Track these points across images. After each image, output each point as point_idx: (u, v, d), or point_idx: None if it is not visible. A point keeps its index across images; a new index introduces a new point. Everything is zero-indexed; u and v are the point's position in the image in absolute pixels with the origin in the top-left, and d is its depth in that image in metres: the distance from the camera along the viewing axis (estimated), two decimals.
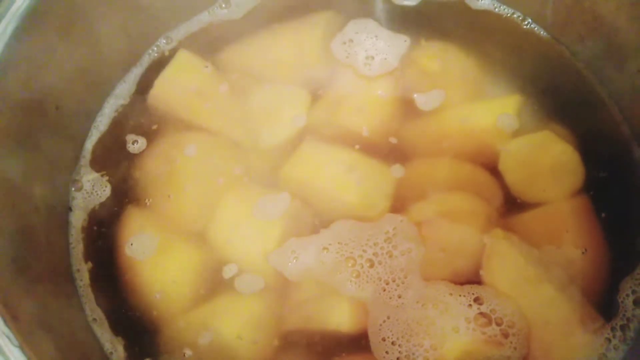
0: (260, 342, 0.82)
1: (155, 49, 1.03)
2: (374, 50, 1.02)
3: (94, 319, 0.84)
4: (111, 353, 0.82)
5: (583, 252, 0.86)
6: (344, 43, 1.03)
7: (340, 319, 0.83)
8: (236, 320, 0.83)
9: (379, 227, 0.87)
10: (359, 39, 1.03)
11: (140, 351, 0.82)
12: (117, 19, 0.95)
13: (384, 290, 0.83)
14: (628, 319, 0.82)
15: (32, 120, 0.84)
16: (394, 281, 0.84)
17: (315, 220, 0.89)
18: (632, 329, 0.82)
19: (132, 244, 0.88)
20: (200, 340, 0.82)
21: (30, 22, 0.81)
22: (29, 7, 0.80)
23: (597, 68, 0.99)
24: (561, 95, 0.99)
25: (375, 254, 0.85)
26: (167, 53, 1.03)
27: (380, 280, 0.84)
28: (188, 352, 0.82)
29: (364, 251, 0.85)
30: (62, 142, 0.90)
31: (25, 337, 0.65)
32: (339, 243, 0.86)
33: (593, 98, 0.99)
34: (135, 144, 0.96)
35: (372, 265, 0.85)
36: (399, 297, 0.82)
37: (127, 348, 0.82)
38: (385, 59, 1.02)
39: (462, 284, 0.83)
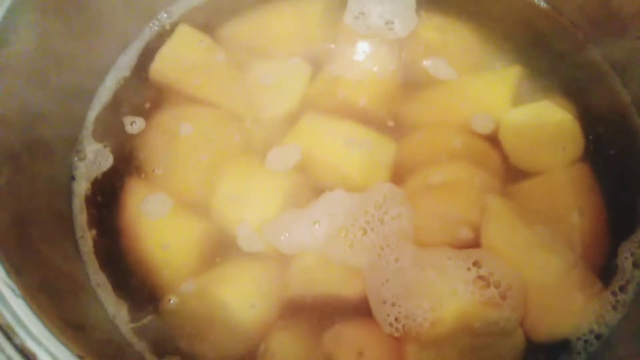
0: (260, 307, 0.83)
1: (156, 22, 1.04)
2: (389, 15, 1.02)
3: (98, 284, 0.85)
4: (114, 316, 0.83)
5: (581, 218, 0.86)
6: (357, 18, 1.03)
7: (340, 283, 0.84)
8: (237, 285, 0.84)
9: (368, 196, 0.87)
10: (368, 9, 1.03)
11: (142, 314, 0.83)
12: None
13: (379, 256, 0.84)
14: (627, 281, 0.83)
15: (35, 90, 0.85)
16: (388, 246, 0.84)
17: (314, 192, 0.89)
18: (631, 290, 0.82)
19: (141, 205, 0.89)
20: (201, 303, 0.83)
21: None
22: None
23: (597, 37, 0.99)
24: (561, 65, 0.99)
25: (367, 222, 0.85)
26: (168, 27, 1.04)
27: (374, 247, 0.84)
28: (187, 316, 0.83)
29: (356, 220, 0.85)
30: (64, 112, 0.91)
31: (28, 293, 0.66)
32: (330, 215, 0.86)
33: (593, 67, 0.99)
34: (137, 117, 0.96)
35: (364, 233, 0.85)
36: (396, 260, 0.83)
37: (130, 311, 0.84)
38: (404, 17, 1.02)
39: (461, 248, 0.84)
